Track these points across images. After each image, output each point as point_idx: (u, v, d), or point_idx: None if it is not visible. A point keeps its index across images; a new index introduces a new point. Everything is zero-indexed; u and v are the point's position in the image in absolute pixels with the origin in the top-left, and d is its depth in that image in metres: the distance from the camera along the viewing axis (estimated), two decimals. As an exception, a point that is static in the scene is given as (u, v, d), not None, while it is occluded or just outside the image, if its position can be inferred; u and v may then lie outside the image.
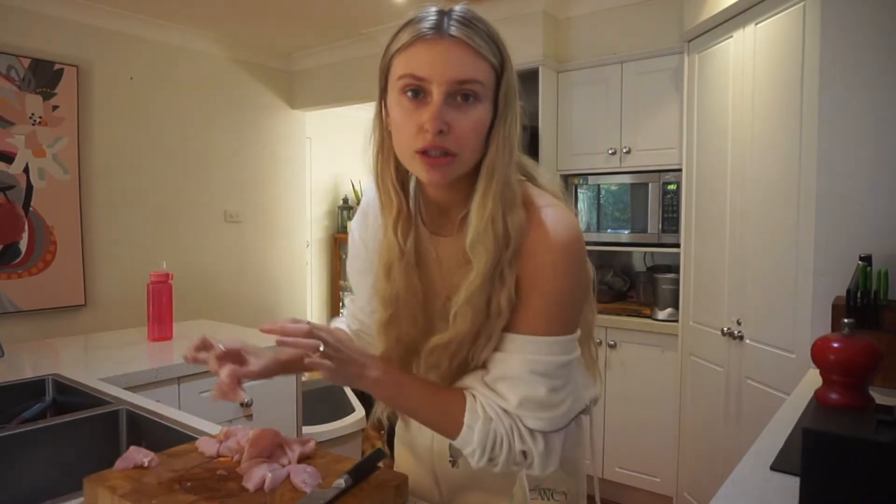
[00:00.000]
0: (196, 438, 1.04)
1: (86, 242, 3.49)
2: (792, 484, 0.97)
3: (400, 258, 0.88)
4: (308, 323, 0.81)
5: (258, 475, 0.88)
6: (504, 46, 0.83)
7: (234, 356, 0.88)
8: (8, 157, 3.16)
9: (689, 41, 2.64)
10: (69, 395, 1.55)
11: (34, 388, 1.60)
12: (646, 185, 2.95)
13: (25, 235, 3.22)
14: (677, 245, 2.77)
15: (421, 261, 0.91)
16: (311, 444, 1.00)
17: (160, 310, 2.12)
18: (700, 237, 2.57)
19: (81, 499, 0.90)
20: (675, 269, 2.92)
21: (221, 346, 0.88)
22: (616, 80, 3.03)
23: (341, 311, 1.14)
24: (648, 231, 2.94)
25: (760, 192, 2.13)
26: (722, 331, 2.31)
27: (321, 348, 0.79)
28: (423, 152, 0.80)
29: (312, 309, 5.39)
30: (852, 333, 1.17)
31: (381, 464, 0.96)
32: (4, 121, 3.14)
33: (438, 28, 0.79)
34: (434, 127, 0.78)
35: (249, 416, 2.00)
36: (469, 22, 0.81)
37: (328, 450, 1.02)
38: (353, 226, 1.05)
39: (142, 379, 1.73)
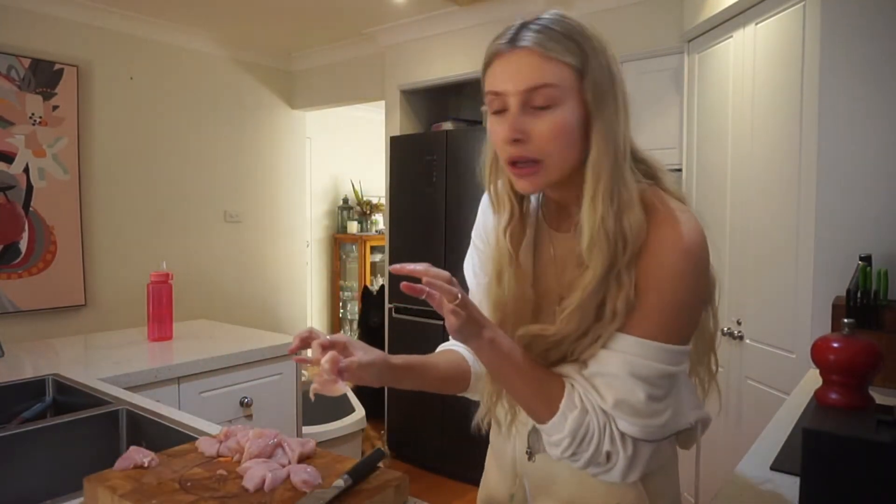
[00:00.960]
0: (196, 438, 1.04)
1: (86, 242, 3.49)
2: (792, 484, 0.97)
3: (510, 263, 0.88)
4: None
5: (258, 475, 0.88)
6: (589, 41, 0.82)
7: (340, 348, 0.87)
8: (8, 157, 3.16)
9: (689, 41, 2.64)
10: (69, 395, 1.55)
11: (34, 388, 1.60)
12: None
13: (25, 235, 3.22)
14: (677, 245, 2.77)
15: (539, 259, 0.92)
16: (311, 444, 1.00)
17: (160, 310, 2.12)
18: (700, 237, 2.57)
19: (81, 499, 0.90)
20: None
21: (327, 337, 0.87)
22: (616, 80, 3.03)
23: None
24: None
25: (760, 192, 2.13)
26: (722, 331, 2.31)
27: (458, 296, 0.76)
28: (512, 163, 0.82)
29: (312, 309, 5.39)
30: (852, 333, 1.17)
31: (380, 464, 0.96)
32: (4, 121, 3.14)
33: (511, 41, 0.81)
34: (508, 136, 0.80)
35: (249, 416, 2.00)
36: (543, 28, 0.81)
37: (328, 450, 1.02)
38: (474, 231, 1.05)
39: (142, 379, 1.73)
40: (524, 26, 0.82)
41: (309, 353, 0.86)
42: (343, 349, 0.87)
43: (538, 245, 0.93)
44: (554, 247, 0.92)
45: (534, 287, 0.90)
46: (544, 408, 0.82)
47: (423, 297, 0.75)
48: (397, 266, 0.77)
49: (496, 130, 0.83)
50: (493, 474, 1.04)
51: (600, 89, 0.81)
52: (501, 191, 0.91)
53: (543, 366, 0.86)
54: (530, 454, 0.93)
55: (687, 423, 0.86)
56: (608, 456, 0.81)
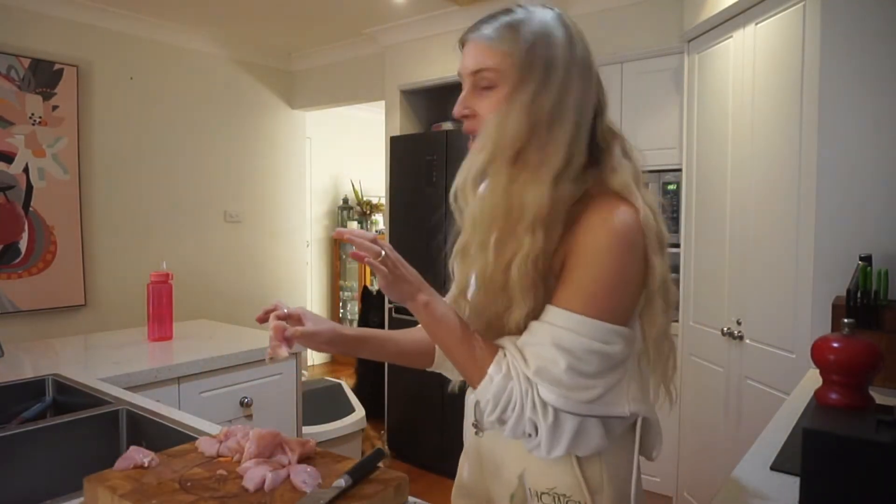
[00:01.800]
0: (196, 438, 1.04)
1: (86, 242, 3.49)
2: (792, 484, 0.97)
3: None
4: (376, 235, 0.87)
5: (258, 475, 0.88)
6: (528, 32, 0.87)
7: (294, 319, 0.98)
8: (8, 157, 3.16)
9: (689, 41, 2.64)
10: (69, 395, 1.55)
11: (34, 388, 1.60)
12: (646, 184, 2.94)
13: (25, 235, 3.22)
14: (677, 245, 2.77)
15: None
16: (311, 444, 1.00)
17: (160, 310, 2.12)
18: (700, 237, 2.57)
19: (81, 499, 0.90)
20: (675, 269, 2.92)
21: (285, 310, 0.98)
22: (616, 80, 3.03)
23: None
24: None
25: (760, 192, 2.13)
26: (722, 331, 2.31)
27: (382, 254, 0.84)
28: (468, 139, 0.92)
29: (312, 309, 5.38)
30: (852, 333, 1.17)
31: (380, 464, 0.96)
32: (4, 121, 3.14)
33: (466, 34, 0.92)
34: (456, 113, 0.92)
35: (249, 416, 2.00)
36: (490, 19, 0.90)
37: (328, 450, 1.02)
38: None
39: (142, 379, 1.73)
40: (481, 22, 0.91)
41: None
42: (297, 320, 0.98)
43: None
44: None
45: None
46: (475, 369, 0.87)
47: (363, 261, 0.83)
48: (336, 233, 0.90)
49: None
50: (461, 461, 1.08)
51: (528, 71, 0.86)
52: None
53: (477, 331, 0.90)
54: (477, 428, 0.99)
55: (621, 412, 0.87)
56: (533, 425, 0.84)
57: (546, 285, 0.87)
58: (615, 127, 0.95)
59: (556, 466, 0.90)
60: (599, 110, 0.92)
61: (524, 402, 0.83)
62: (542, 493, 0.92)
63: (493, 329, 0.91)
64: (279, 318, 0.96)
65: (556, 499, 0.91)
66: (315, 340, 0.97)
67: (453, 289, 1.04)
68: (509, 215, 0.86)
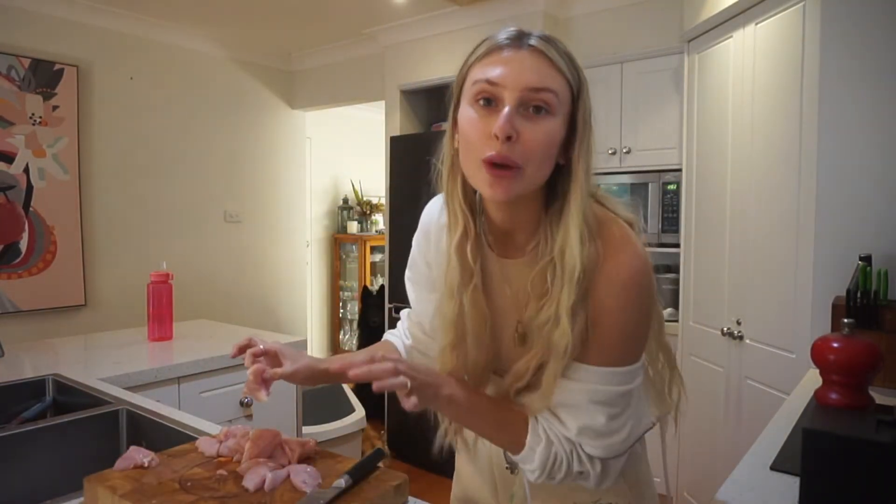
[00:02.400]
0: (196, 438, 1.04)
1: (86, 242, 3.49)
2: (792, 484, 0.97)
3: (468, 281, 0.87)
4: (385, 358, 0.79)
5: (258, 475, 0.88)
6: (582, 71, 0.82)
7: (271, 357, 0.94)
8: (8, 157, 3.16)
9: (689, 41, 2.64)
10: (69, 395, 1.55)
11: (34, 388, 1.60)
12: (646, 185, 2.95)
13: (25, 235, 3.22)
14: (677, 245, 2.77)
15: (488, 283, 0.90)
16: (311, 444, 1.00)
17: (160, 310, 2.12)
18: (700, 237, 2.57)
19: (81, 499, 0.90)
20: (675, 269, 2.92)
21: (261, 346, 0.94)
22: (616, 80, 3.03)
23: (387, 325, 1.16)
24: (648, 231, 2.94)
25: (760, 192, 2.13)
26: (722, 331, 2.31)
27: (408, 385, 0.78)
28: (490, 163, 0.77)
29: (312, 309, 5.39)
30: (852, 333, 1.17)
31: (380, 464, 0.96)
32: (4, 121, 3.14)
33: (518, 39, 0.80)
34: (503, 131, 0.75)
35: (249, 416, 2.00)
36: (549, 38, 0.81)
37: (328, 450, 1.02)
38: (414, 244, 1.05)
39: (142, 379, 1.73)
40: (525, 33, 0.81)
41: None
42: (273, 358, 0.94)
43: (486, 269, 0.90)
44: (504, 272, 0.90)
45: (488, 306, 0.89)
46: (512, 444, 0.86)
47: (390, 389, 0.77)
48: (351, 374, 0.80)
49: (481, 125, 0.78)
50: (470, 475, 1.07)
51: (587, 115, 0.82)
52: (456, 204, 0.87)
53: (502, 403, 0.88)
54: (511, 469, 0.97)
55: (648, 424, 0.91)
56: (581, 474, 0.85)
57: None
58: None
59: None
60: None
61: (570, 461, 0.83)
62: None
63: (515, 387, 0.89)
64: (256, 355, 0.93)
65: None
66: (294, 379, 0.94)
67: (413, 316, 1.05)
68: (576, 274, 0.80)
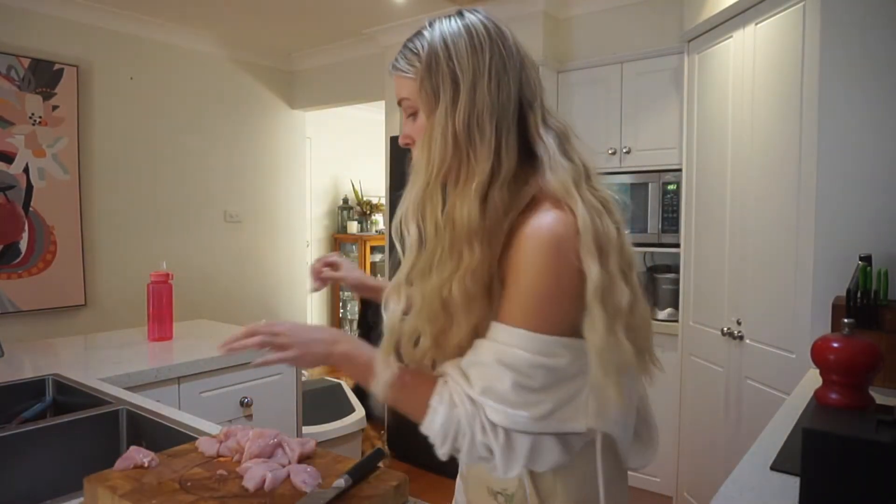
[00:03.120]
0: (196, 438, 1.04)
1: (86, 242, 3.49)
2: (792, 484, 0.97)
3: None
4: (255, 329, 0.88)
5: (258, 475, 0.88)
6: (432, 50, 0.86)
7: (335, 266, 1.27)
8: (8, 157, 3.16)
9: (689, 41, 2.64)
10: (69, 395, 1.55)
11: (34, 388, 1.60)
12: (646, 185, 2.95)
13: (25, 235, 3.22)
14: (677, 245, 2.77)
15: None
16: (311, 444, 1.00)
17: (160, 310, 2.12)
18: (700, 237, 2.57)
19: (81, 499, 0.90)
20: (675, 269, 2.92)
21: (334, 258, 1.28)
22: (616, 80, 3.03)
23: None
24: (648, 231, 2.94)
25: (760, 192, 2.13)
26: (722, 331, 2.31)
27: (272, 339, 0.86)
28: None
29: (312, 309, 5.39)
30: (852, 333, 1.17)
31: (380, 464, 0.96)
32: (4, 121, 3.14)
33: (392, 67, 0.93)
34: (401, 142, 0.95)
35: (249, 416, 2.00)
36: (402, 49, 0.90)
37: (328, 450, 1.02)
38: None
39: (142, 379, 1.73)
40: (396, 58, 0.92)
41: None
42: (334, 264, 1.26)
43: None
44: None
45: None
46: (418, 407, 0.84)
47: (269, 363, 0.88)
48: (224, 347, 0.90)
49: None
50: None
51: (434, 91, 0.86)
52: None
53: (413, 369, 0.87)
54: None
55: (577, 428, 0.82)
56: (486, 448, 0.81)
57: (492, 301, 0.83)
58: (557, 120, 0.90)
59: (504, 483, 0.89)
60: (528, 106, 0.87)
61: (473, 426, 0.80)
62: (497, 493, 0.91)
63: (433, 353, 0.87)
64: (326, 262, 1.25)
65: (508, 499, 0.90)
66: (344, 283, 1.25)
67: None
68: (447, 235, 0.83)
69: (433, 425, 0.82)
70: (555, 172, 0.83)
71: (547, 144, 0.85)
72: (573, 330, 0.81)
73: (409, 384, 0.85)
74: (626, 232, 0.87)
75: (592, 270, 0.78)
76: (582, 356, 0.80)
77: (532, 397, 0.79)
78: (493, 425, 0.80)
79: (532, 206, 0.83)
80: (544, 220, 0.80)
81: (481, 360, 0.81)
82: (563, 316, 0.80)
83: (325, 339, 0.88)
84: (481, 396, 0.80)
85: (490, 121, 0.83)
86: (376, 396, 0.85)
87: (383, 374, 0.83)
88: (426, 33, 0.88)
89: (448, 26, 0.87)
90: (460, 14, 0.88)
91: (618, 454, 0.90)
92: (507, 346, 0.80)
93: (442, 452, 0.83)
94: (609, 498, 0.88)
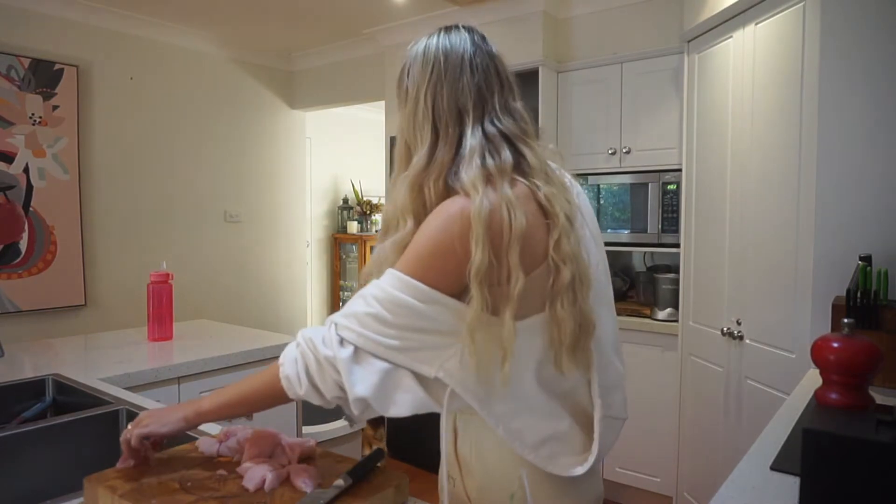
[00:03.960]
0: (196, 438, 1.04)
1: (86, 242, 3.49)
2: (792, 484, 0.97)
3: None
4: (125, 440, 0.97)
5: (258, 475, 0.88)
6: (407, 62, 1.03)
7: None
8: (8, 157, 3.16)
9: (689, 41, 2.64)
10: (69, 395, 1.55)
11: (34, 388, 1.60)
12: (646, 185, 2.95)
13: (25, 235, 3.22)
14: (677, 245, 2.77)
15: None
16: (311, 444, 1.00)
17: (160, 310, 2.12)
18: (700, 237, 2.57)
19: (81, 499, 0.90)
20: (674, 269, 2.92)
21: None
22: (616, 80, 3.03)
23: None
24: (648, 231, 2.94)
25: (760, 192, 2.13)
26: (722, 331, 2.31)
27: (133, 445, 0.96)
28: None
29: (312, 309, 5.39)
30: (852, 333, 1.17)
31: (380, 464, 0.96)
32: (4, 121, 3.14)
33: None
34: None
35: (249, 417, 1.99)
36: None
37: (328, 450, 1.02)
38: None
39: (142, 379, 1.73)
40: None
41: None
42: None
43: None
44: None
45: None
46: (274, 381, 0.95)
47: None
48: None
49: None
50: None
51: (398, 100, 1.04)
52: None
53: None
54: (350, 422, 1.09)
55: (426, 372, 0.89)
56: (333, 366, 0.89)
57: None
58: (507, 120, 0.98)
59: (446, 439, 0.99)
60: (465, 113, 0.96)
61: (315, 345, 0.90)
62: (442, 461, 1.02)
63: None
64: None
65: (444, 467, 1.01)
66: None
67: None
68: (393, 216, 0.97)
69: (288, 378, 0.92)
70: (466, 171, 0.92)
71: (469, 146, 0.95)
72: (446, 288, 0.89)
73: (256, 377, 0.99)
74: (583, 231, 0.97)
75: (475, 253, 0.86)
76: (454, 316, 0.88)
77: (384, 328, 0.88)
78: (341, 340, 0.90)
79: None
80: (448, 204, 0.92)
81: (358, 293, 0.93)
82: (436, 272, 0.89)
83: (176, 407, 1.01)
84: (336, 316, 0.92)
85: (429, 125, 0.97)
86: (251, 409, 1.00)
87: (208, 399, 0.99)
88: (412, 47, 1.04)
89: (419, 44, 1.03)
90: (437, 32, 1.03)
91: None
92: (380, 282, 0.91)
93: (301, 393, 0.92)
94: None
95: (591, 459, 0.94)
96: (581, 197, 1.04)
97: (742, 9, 2.21)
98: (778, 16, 2.03)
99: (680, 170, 2.76)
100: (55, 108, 3.33)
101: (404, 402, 0.89)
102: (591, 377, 0.97)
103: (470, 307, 0.86)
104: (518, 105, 1.01)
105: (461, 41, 1.00)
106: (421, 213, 0.94)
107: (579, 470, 0.93)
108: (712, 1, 2.38)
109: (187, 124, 4.01)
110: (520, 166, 0.94)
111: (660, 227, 2.91)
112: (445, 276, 0.88)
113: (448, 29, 1.02)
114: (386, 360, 0.89)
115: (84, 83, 3.47)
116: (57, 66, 3.32)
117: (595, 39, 3.17)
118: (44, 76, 3.28)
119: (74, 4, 3.38)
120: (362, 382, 0.87)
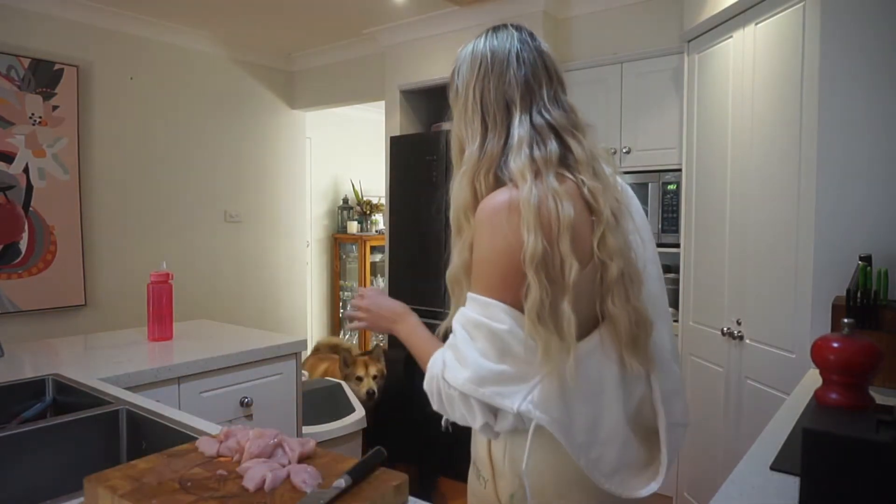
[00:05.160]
0: (196, 438, 1.04)
1: (86, 242, 3.49)
2: (792, 484, 0.97)
3: None
4: (355, 303, 1.14)
5: (258, 475, 0.88)
6: (456, 68, 1.07)
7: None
8: (8, 157, 3.16)
9: (689, 41, 2.64)
10: (69, 395, 1.55)
11: (34, 388, 1.60)
12: (646, 185, 2.95)
13: (25, 235, 3.22)
14: (677, 245, 2.77)
15: None
16: (311, 444, 1.00)
17: (160, 310, 2.12)
18: (700, 237, 2.57)
19: (81, 499, 0.90)
20: (675, 269, 2.92)
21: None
22: (616, 80, 3.03)
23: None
24: (648, 231, 2.94)
25: (760, 192, 2.13)
26: (722, 331, 2.31)
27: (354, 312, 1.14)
28: None
29: (312, 309, 5.39)
30: (852, 333, 1.17)
31: (380, 464, 0.96)
32: (4, 121, 3.14)
33: None
34: None
35: (249, 416, 2.00)
36: None
37: (328, 450, 1.02)
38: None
39: (142, 379, 1.73)
40: None
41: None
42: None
43: None
44: None
45: None
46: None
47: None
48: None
49: None
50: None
51: (451, 101, 1.07)
52: None
53: (438, 341, 1.03)
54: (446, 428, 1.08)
55: (507, 406, 0.89)
56: (440, 397, 0.95)
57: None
58: (556, 113, 0.99)
59: (478, 440, 1.03)
60: (513, 105, 0.98)
61: (434, 380, 0.95)
62: (473, 461, 1.07)
63: None
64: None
65: (475, 467, 1.05)
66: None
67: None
68: (452, 213, 1.01)
69: (426, 385, 0.97)
70: (515, 160, 0.94)
71: (518, 136, 0.96)
72: (511, 298, 0.90)
73: (427, 351, 1.01)
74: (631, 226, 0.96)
75: (528, 240, 0.87)
76: (506, 314, 0.89)
77: (475, 356, 0.90)
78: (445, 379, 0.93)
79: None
80: (493, 197, 0.93)
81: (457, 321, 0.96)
82: (497, 280, 0.91)
83: (388, 317, 1.11)
84: (447, 349, 0.95)
85: (479, 120, 0.99)
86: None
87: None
88: (460, 52, 1.08)
89: (468, 47, 1.06)
90: (487, 31, 1.06)
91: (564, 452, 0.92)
92: (465, 308, 0.94)
93: (435, 407, 0.97)
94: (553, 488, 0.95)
95: (663, 471, 0.94)
96: (632, 200, 1.05)
97: (742, 9, 2.21)
98: (778, 16, 2.03)
99: (680, 170, 2.76)
100: (55, 108, 3.33)
101: (477, 425, 0.94)
102: (653, 384, 0.97)
103: (529, 294, 0.86)
104: (567, 98, 1.03)
105: (508, 37, 1.03)
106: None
107: (654, 486, 0.94)
108: (712, 1, 2.38)
109: (187, 124, 4.01)
110: (566, 159, 0.95)
111: (660, 227, 2.91)
112: (505, 284, 0.90)
113: (496, 28, 1.05)
114: (467, 393, 0.90)
115: (84, 83, 3.47)
116: (57, 66, 3.32)
117: (595, 39, 3.17)
118: (44, 76, 3.27)
119: (74, 4, 3.38)
120: (454, 416, 0.95)
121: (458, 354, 0.91)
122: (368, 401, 3.30)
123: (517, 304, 0.88)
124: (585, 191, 0.92)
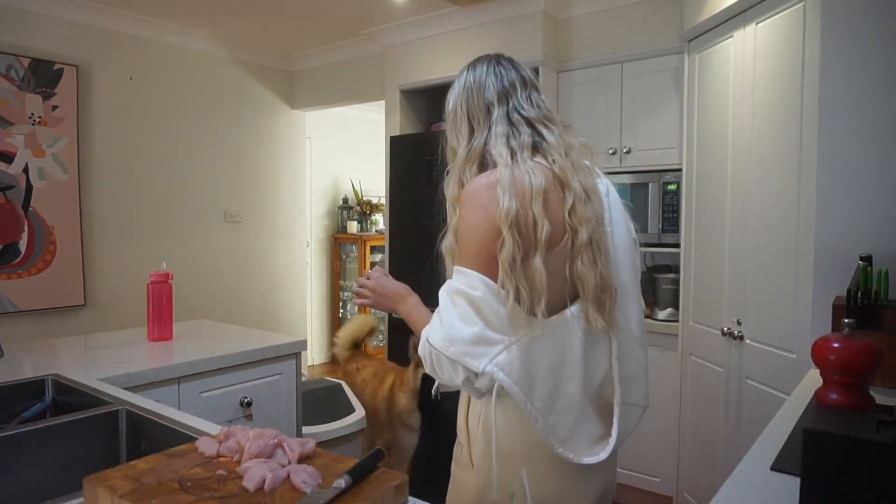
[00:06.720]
0: (196, 438, 1.04)
1: (86, 242, 3.49)
2: (792, 484, 0.97)
3: None
4: (362, 281, 1.27)
5: (258, 475, 0.88)
6: (449, 95, 1.21)
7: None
8: (8, 157, 3.16)
9: (690, 41, 2.64)
10: (69, 395, 1.55)
11: (34, 388, 1.60)
12: (646, 184, 2.95)
13: (25, 235, 3.22)
14: (677, 245, 2.77)
15: None
16: (311, 444, 1.00)
17: (160, 310, 2.12)
18: (700, 237, 2.57)
19: (81, 499, 0.90)
20: (675, 269, 2.92)
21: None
22: (616, 80, 3.03)
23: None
24: (648, 231, 2.94)
25: (760, 192, 2.13)
26: (722, 331, 2.31)
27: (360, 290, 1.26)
28: None
29: (312, 309, 5.39)
30: (852, 333, 1.17)
31: (380, 464, 0.96)
32: (4, 121, 3.14)
33: None
34: None
35: (249, 417, 2.00)
36: None
37: (328, 450, 1.02)
38: None
39: (142, 379, 1.73)
40: None
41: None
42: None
43: None
44: None
45: None
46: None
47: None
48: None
49: None
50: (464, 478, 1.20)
51: (446, 122, 1.21)
52: None
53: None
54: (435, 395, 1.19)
55: (475, 366, 0.99)
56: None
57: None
58: (530, 110, 1.13)
59: (460, 411, 1.15)
60: (493, 106, 1.13)
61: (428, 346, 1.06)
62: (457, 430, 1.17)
63: None
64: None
65: (458, 436, 1.15)
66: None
67: None
68: (448, 209, 1.14)
69: (420, 351, 1.07)
70: (494, 148, 1.09)
71: (497, 130, 1.11)
72: (488, 270, 1.00)
73: (423, 317, 1.14)
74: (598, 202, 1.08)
75: (503, 202, 0.99)
76: (483, 285, 1.00)
77: (452, 319, 1.01)
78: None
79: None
80: (476, 180, 1.06)
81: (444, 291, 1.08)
82: (480, 251, 1.01)
83: (391, 297, 1.21)
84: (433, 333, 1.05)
85: (465, 126, 1.15)
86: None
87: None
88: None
89: (454, 84, 1.21)
90: (468, 65, 1.21)
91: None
92: (449, 280, 1.06)
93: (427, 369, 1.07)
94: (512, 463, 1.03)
95: (612, 443, 1.04)
96: (611, 194, 1.15)
97: (742, 8, 2.21)
98: (778, 15, 2.03)
99: (680, 170, 2.76)
100: (55, 108, 3.33)
101: (455, 384, 1.05)
102: (612, 364, 1.07)
103: (503, 249, 0.97)
104: (542, 97, 1.17)
105: (487, 60, 1.19)
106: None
107: (602, 455, 1.03)
108: (712, 1, 2.38)
109: (187, 124, 4.01)
110: (539, 146, 1.09)
111: (660, 227, 2.91)
112: (482, 254, 1.00)
113: (477, 59, 1.21)
114: (441, 352, 1.01)
115: (84, 83, 3.47)
116: (56, 66, 3.32)
117: (595, 39, 3.17)
118: (43, 76, 3.27)
119: (74, 4, 3.38)
120: (435, 375, 1.06)
121: (440, 318, 1.02)
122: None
123: (493, 275, 0.99)
124: (556, 168, 1.04)
